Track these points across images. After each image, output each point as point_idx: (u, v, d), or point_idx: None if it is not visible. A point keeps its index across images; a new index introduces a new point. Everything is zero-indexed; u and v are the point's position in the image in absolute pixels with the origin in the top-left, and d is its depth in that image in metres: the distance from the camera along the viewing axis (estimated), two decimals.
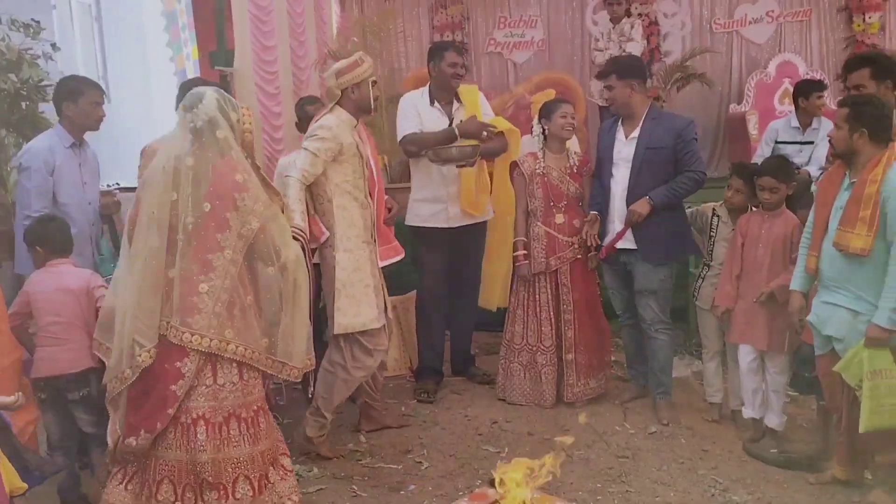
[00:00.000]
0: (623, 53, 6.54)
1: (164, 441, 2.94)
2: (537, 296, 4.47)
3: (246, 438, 2.99)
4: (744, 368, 3.93)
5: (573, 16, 8.19)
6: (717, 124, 8.12)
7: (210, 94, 3.10)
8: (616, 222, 4.24)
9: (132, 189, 6.88)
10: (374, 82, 3.92)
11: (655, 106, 4.30)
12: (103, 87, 4.19)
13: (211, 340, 2.91)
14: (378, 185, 4.01)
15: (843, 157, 3.27)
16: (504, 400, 4.55)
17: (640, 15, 7.67)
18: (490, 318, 5.55)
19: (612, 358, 4.81)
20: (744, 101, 7.69)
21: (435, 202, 4.60)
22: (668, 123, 4.17)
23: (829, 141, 3.36)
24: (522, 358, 4.51)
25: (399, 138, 4.63)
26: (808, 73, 7.50)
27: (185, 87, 4.23)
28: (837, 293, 3.23)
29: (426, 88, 4.68)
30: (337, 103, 3.89)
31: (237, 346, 2.96)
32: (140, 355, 2.89)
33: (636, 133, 4.17)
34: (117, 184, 7.37)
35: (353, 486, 3.62)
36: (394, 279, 4.87)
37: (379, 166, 4.12)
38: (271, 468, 3.07)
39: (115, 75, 9.64)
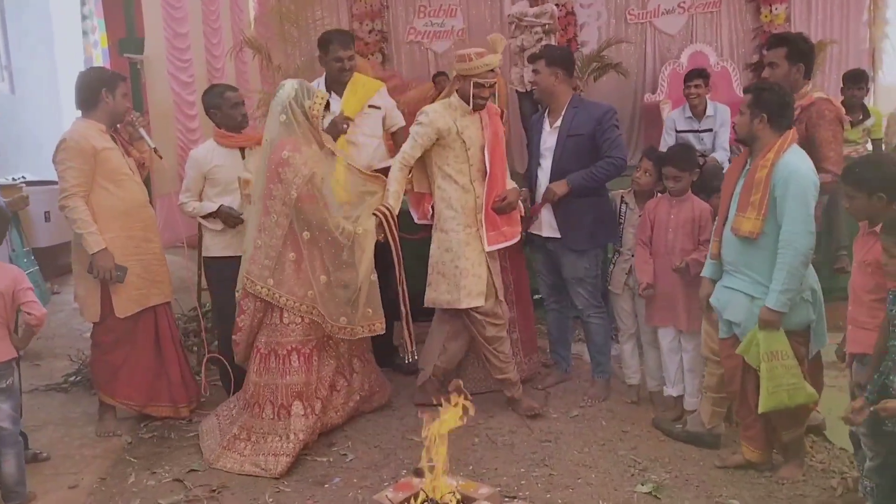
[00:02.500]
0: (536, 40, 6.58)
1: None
2: None
3: (276, 371, 3.80)
4: (665, 349, 4.05)
5: (492, 4, 8.25)
6: (632, 113, 8.31)
7: (289, 84, 3.82)
8: (543, 211, 4.30)
9: (40, 183, 6.66)
10: (484, 85, 3.92)
11: (577, 96, 4.36)
12: (6, 76, 4.03)
13: (261, 287, 3.75)
14: (491, 173, 4.04)
15: (744, 142, 3.37)
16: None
17: (557, 5, 7.76)
18: (414, 309, 5.55)
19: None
20: (658, 91, 7.89)
21: None
22: (589, 111, 4.23)
23: (733, 127, 3.46)
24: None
25: None
26: (718, 63, 7.76)
27: (82, 77, 4.10)
28: (736, 277, 3.32)
29: (321, 80, 4.66)
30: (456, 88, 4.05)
31: (279, 295, 3.76)
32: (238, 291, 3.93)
33: (559, 122, 4.23)
34: (23, 177, 7.07)
35: (276, 479, 3.57)
36: None
37: (500, 154, 4.11)
38: (297, 401, 3.78)
39: (19, 65, 9.20)
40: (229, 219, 4.29)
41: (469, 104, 3.97)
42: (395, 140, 4.82)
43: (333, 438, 3.99)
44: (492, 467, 3.60)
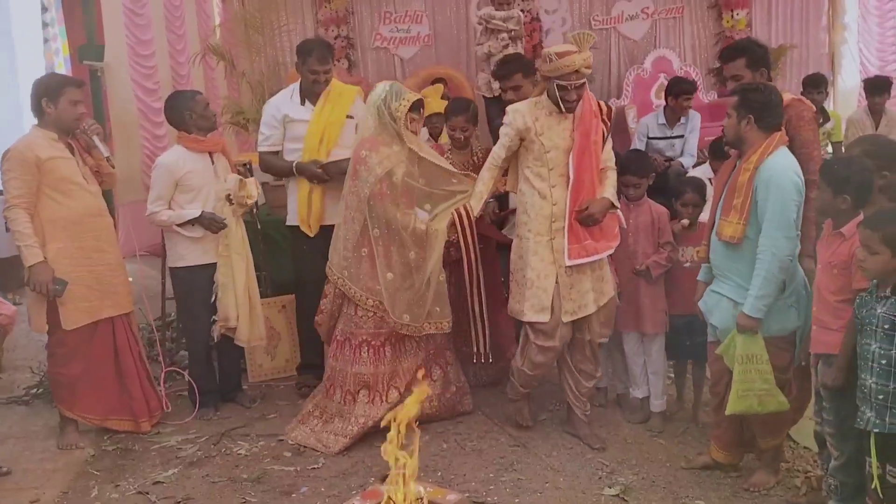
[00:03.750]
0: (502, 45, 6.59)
1: None
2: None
3: (348, 360, 3.96)
4: (629, 352, 4.07)
5: (458, 11, 8.25)
6: None
7: (381, 86, 3.94)
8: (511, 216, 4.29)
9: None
10: (567, 87, 3.60)
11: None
12: None
13: (337, 277, 3.96)
14: (576, 179, 3.69)
15: (733, 145, 3.32)
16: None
17: (522, 11, 7.80)
18: None
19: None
20: (623, 96, 7.95)
21: None
22: None
23: (722, 131, 3.42)
24: None
25: (258, 148, 4.63)
26: (682, 69, 7.84)
27: (37, 84, 4.03)
28: (722, 282, 3.30)
29: (296, 87, 4.60)
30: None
31: (350, 287, 3.92)
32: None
33: None
34: None
35: (242, 490, 3.53)
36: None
37: (589, 160, 3.75)
38: (364, 389, 3.94)
39: None
40: (213, 224, 4.23)
41: (558, 106, 3.68)
42: None
43: (301, 447, 3.95)
44: (460, 473, 3.59)
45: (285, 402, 4.57)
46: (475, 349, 4.09)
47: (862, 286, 2.75)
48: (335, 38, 8.00)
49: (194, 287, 4.32)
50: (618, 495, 3.34)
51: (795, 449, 3.64)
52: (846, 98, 8.25)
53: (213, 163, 4.35)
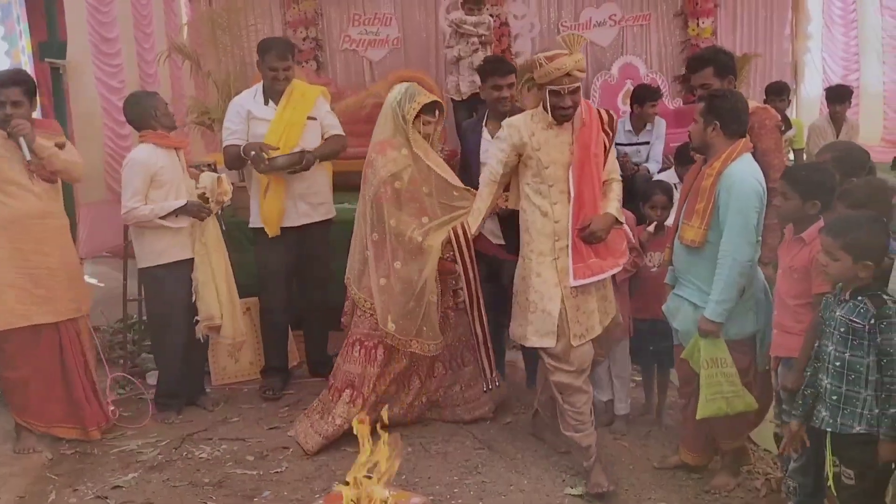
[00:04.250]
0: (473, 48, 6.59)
1: None
2: None
3: (344, 356, 4.01)
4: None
5: (427, 14, 8.24)
6: None
7: (397, 88, 3.90)
8: (487, 220, 4.26)
9: None
10: (560, 92, 3.38)
11: (516, 105, 4.38)
12: None
13: (348, 275, 4.03)
14: (577, 195, 3.48)
15: (698, 150, 3.37)
16: None
17: (491, 16, 7.82)
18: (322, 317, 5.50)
19: None
20: (590, 101, 7.99)
21: None
22: None
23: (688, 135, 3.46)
24: None
25: (223, 143, 4.57)
26: (648, 75, 7.92)
27: None
28: (685, 286, 3.34)
29: (259, 87, 4.57)
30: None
31: (352, 288, 4.00)
32: None
33: (504, 133, 4.21)
34: None
35: (204, 494, 3.49)
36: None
37: (590, 174, 3.53)
38: (349, 389, 3.93)
39: None
40: (202, 210, 4.20)
41: (553, 116, 3.48)
42: (328, 141, 4.65)
43: (265, 450, 3.91)
44: (425, 476, 3.59)
45: (249, 405, 4.52)
46: (483, 375, 4.00)
47: (822, 290, 2.80)
48: (303, 39, 7.96)
49: (169, 286, 4.26)
50: (581, 496, 3.36)
51: (756, 451, 3.68)
52: (809, 106, 8.39)
53: (179, 159, 4.33)
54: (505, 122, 3.64)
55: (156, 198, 4.17)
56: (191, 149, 7.00)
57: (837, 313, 2.64)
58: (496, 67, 4.29)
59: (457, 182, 3.96)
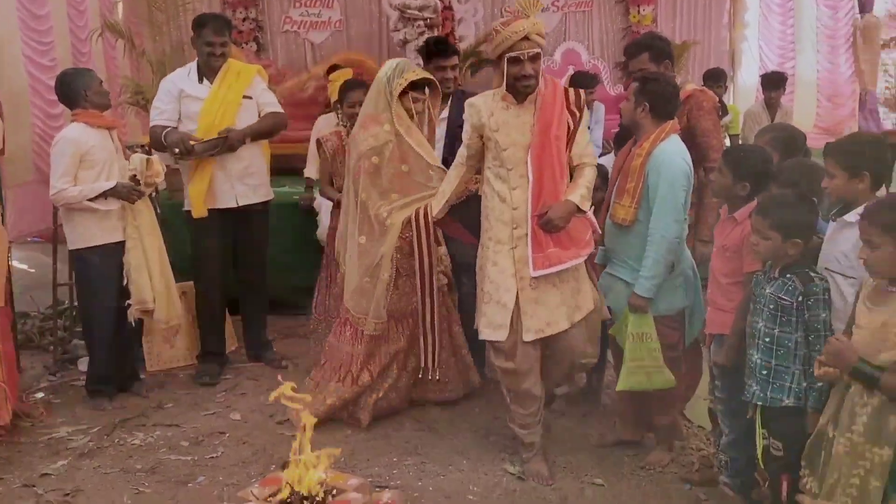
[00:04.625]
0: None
1: None
2: None
3: (336, 334, 3.96)
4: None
5: None
6: None
7: (389, 63, 3.79)
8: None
9: None
10: (520, 58, 3.15)
11: (459, 88, 4.39)
12: None
13: (338, 254, 4.08)
14: (535, 180, 3.25)
15: (629, 128, 3.44)
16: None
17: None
18: (287, 302, 5.45)
19: None
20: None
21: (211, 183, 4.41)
22: None
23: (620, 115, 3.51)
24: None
25: (151, 122, 4.46)
26: (590, 61, 7.98)
27: None
28: (617, 265, 3.40)
29: (194, 65, 4.46)
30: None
31: (342, 263, 4.00)
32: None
33: (445, 113, 4.21)
34: None
35: (136, 481, 3.40)
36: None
37: (550, 157, 3.29)
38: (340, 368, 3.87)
39: None
40: (132, 193, 4.07)
41: (514, 88, 3.24)
42: (264, 117, 4.52)
43: (201, 436, 3.84)
44: (364, 458, 3.56)
45: (184, 391, 4.42)
46: (422, 363, 3.87)
47: (753, 269, 2.85)
48: (243, 20, 7.80)
49: (99, 269, 4.13)
50: (517, 475, 3.38)
51: (690, 428, 3.75)
52: (746, 93, 8.55)
53: (112, 140, 4.20)
54: (467, 103, 3.45)
55: (86, 179, 4.04)
56: (126, 129, 6.82)
57: (767, 291, 2.69)
58: (439, 49, 4.27)
59: (436, 162, 3.84)
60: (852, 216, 2.51)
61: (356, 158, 3.78)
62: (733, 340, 2.91)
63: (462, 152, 3.49)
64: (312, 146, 5.03)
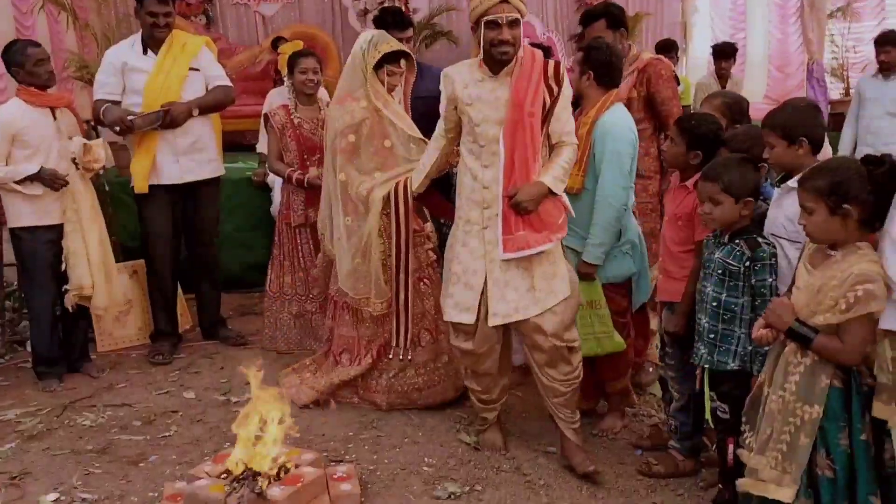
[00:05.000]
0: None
1: None
2: (300, 247, 4.45)
3: (336, 318, 3.85)
4: None
5: None
6: None
7: (364, 35, 3.63)
8: None
9: None
10: (498, 22, 2.96)
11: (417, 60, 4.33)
12: None
13: (321, 235, 3.90)
14: (506, 158, 3.06)
15: (576, 97, 3.41)
16: (274, 350, 4.49)
17: None
18: (242, 279, 5.40)
19: None
20: None
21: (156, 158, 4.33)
22: (430, 73, 4.26)
23: None
24: (292, 308, 4.49)
25: (94, 96, 4.37)
26: (544, 34, 7.96)
27: None
28: (568, 235, 3.42)
29: (138, 37, 4.37)
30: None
31: (327, 244, 3.86)
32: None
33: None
34: None
35: (86, 462, 3.35)
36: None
37: (523, 133, 3.06)
38: (346, 353, 3.80)
39: None
40: (55, 181, 3.95)
41: (490, 56, 3.05)
42: (212, 91, 4.46)
43: (153, 415, 3.79)
44: (319, 433, 3.55)
45: (137, 371, 4.36)
46: (394, 342, 3.70)
47: (703, 237, 2.88)
48: None
49: (36, 250, 4.03)
50: (472, 444, 3.41)
51: (642, 395, 3.81)
52: (698, 66, 8.60)
53: (55, 119, 4.06)
54: (442, 73, 3.31)
55: (20, 158, 3.94)
56: (76, 106, 6.66)
57: (716, 256, 2.72)
58: (395, 21, 4.20)
59: (416, 134, 3.65)
60: (795, 181, 2.55)
61: (332, 136, 3.64)
62: (684, 307, 2.95)
63: (440, 125, 3.35)
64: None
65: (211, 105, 4.42)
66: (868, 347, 2.24)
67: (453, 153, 3.47)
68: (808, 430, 2.26)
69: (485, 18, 3.00)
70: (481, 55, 3.11)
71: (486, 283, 3.14)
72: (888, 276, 2.17)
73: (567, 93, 3.16)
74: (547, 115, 3.11)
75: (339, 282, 3.70)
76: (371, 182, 3.58)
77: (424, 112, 4.08)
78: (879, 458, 2.29)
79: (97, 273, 4.09)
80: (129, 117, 4.15)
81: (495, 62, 3.07)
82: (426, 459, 3.31)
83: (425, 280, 3.77)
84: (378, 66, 3.57)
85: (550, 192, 3.09)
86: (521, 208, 3.06)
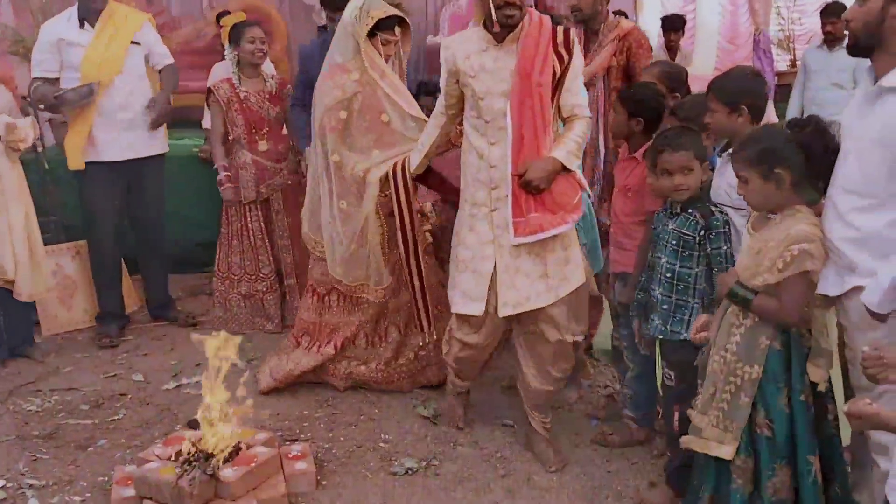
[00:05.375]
0: None
1: None
2: (250, 224, 4.37)
3: (302, 303, 3.76)
4: None
5: None
6: (417, 55, 8.27)
7: (353, 3, 3.33)
8: None
9: None
10: None
11: None
12: None
13: (302, 219, 3.73)
14: (514, 134, 2.81)
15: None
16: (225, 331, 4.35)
17: None
18: (191, 259, 5.29)
19: None
20: (440, 33, 7.90)
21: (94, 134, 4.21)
22: None
23: None
24: (241, 288, 4.42)
25: (32, 74, 4.23)
26: None
27: None
28: None
29: (74, 9, 4.20)
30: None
31: (304, 227, 3.69)
32: None
33: None
34: None
35: (33, 448, 3.26)
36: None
37: (531, 105, 2.82)
38: (306, 336, 3.66)
39: None
40: None
41: (494, 22, 2.79)
42: (161, 79, 4.45)
43: (101, 399, 3.70)
44: (274, 412, 3.49)
45: (83, 354, 4.25)
46: (418, 327, 3.47)
47: (654, 208, 2.88)
48: None
49: None
50: (429, 417, 3.41)
51: (597, 367, 3.84)
52: (649, 37, 8.64)
53: None
54: (441, 44, 3.05)
55: None
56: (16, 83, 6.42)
57: (670, 226, 2.73)
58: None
59: (415, 110, 3.41)
60: None
61: (321, 113, 3.38)
62: (636, 279, 2.95)
63: (441, 101, 3.10)
64: None
65: (173, 89, 4.39)
66: (805, 308, 2.28)
67: (455, 131, 3.27)
68: (748, 390, 2.30)
69: None
70: (480, 21, 2.89)
71: (494, 269, 2.92)
72: (827, 239, 2.20)
73: (578, 62, 2.92)
74: (557, 86, 2.87)
75: (329, 269, 3.49)
76: (368, 162, 3.36)
77: None
78: (821, 419, 2.33)
79: (21, 257, 3.95)
80: (57, 93, 4.01)
81: (500, 28, 2.80)
82: (382, 436, 3.29)
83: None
84: (371, 35, 3.34)
85: (564, 169, 2.84)
86: (532, 187, 2.80)
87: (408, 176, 3.23)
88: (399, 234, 3.31)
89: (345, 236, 3.41)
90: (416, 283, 3.38)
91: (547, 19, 2.89)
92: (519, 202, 2.83)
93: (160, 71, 4.43)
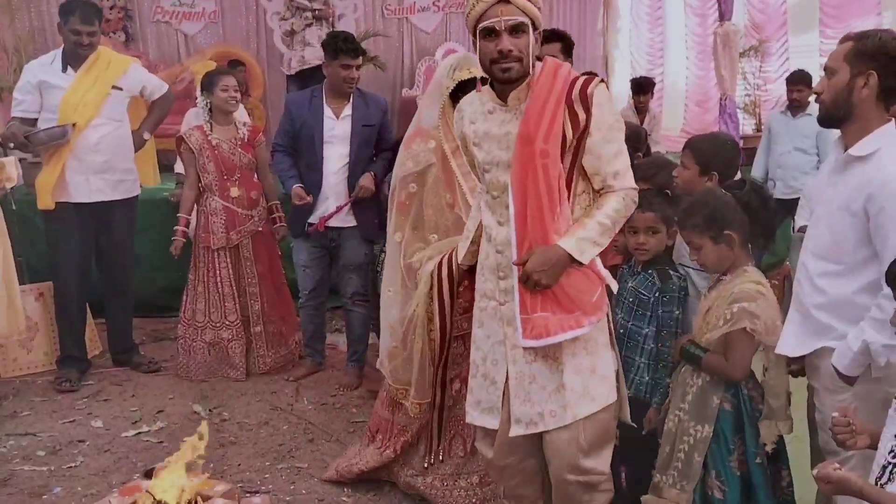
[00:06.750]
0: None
1: None
2: (218, 271, 4.36)
3: (379, 400, 3.28)
4: None
5: None
6: (391, 107, 8.38)
7: (450, 59, 3.00)
8: (331, 199, 4.14)
9: None
10: (495, 29, 2.21)
11: (359, 88, 4.31)
12: None
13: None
14: (517, 211, 2.31)
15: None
16: (188, 378, 4.39)
17: None
18: (157, 303, 5.24)
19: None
20: (415, 86, 8.03)
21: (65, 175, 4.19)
22: (375, 101, 4.24)
23: None
24: (206, 336, 4.38)
25: (11, 113, 4.22)
26: None
27: None
28: None
29: (59, 52, 4.23)
30: None
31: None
32: None
33: (349, 111, 4.13)
34: None
35: None
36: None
37: (537, 180, 2.27)
38: (380, 434, 3.19)
39: None
40: None
41: (490, 75, 2.33)
42: (153, 109, 4.50)
43: (58, 445, 3.62)
44: (234, 463, 3.45)
45: (42, 398, 4.17)
46: (428, 448, 3.07)
47: (615, 262, 2.94)
48: (111, 8, 7.45)
49: None
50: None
51: None
52: (617, 98, 8.85)
53: None
54: (457, 107, 2.55)
55: None
56: None
57: (629, 284, 2.78)
58: (348, 47, 4.06)
59: (471, 200, 2.82)
60: None
61: (394, 186, 3.05)
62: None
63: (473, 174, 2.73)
64: None
65: (158, 122, 4.46)
66: (751, 365, 2.34)
67: None
68: (700, 449, 2.34)
69: (480, 25, 2.26)
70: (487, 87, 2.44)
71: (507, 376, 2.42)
72: (798, 302, 2.26)
73: (605, 119, 2.31)
74: (576, 151, 2.31)
75: (380, 356, 3.18)
76: (426, 251, 2.91)
77: (367, 139, 4.15)
78: (776, 484, 2.36)
79: None
80: (28, 132, 4.01)
81: (500, 84, 2.35)
82: (345, 490, 3.25)
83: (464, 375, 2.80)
84: (453, 97, 2.85)
85: (574, 261, 2.29)
86: (533, 283, 2.28)
87: (454, 270, 2.72)
88: (438, 335, 2.80)
89: (386, 329, 3.07)
90: (438, 399, 2.96)
91: (566, 67, 2.36)
92: (524, 297, 2.32)
93: (154, 102, 4.50)
